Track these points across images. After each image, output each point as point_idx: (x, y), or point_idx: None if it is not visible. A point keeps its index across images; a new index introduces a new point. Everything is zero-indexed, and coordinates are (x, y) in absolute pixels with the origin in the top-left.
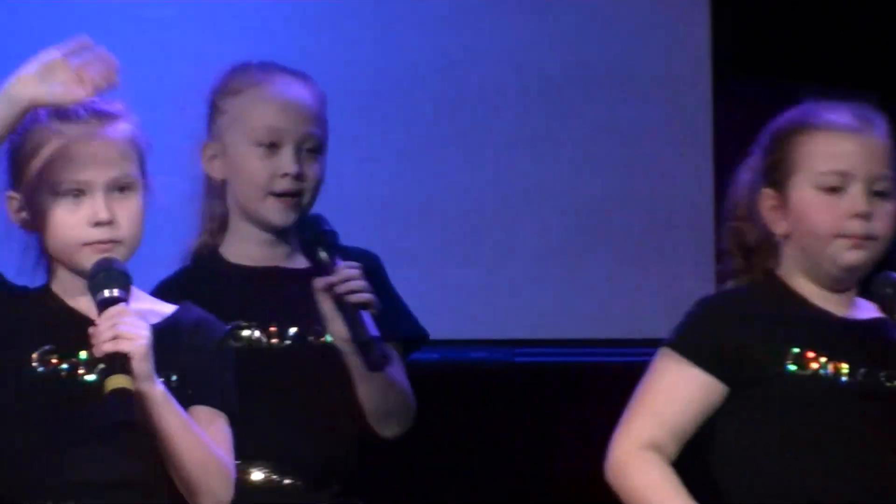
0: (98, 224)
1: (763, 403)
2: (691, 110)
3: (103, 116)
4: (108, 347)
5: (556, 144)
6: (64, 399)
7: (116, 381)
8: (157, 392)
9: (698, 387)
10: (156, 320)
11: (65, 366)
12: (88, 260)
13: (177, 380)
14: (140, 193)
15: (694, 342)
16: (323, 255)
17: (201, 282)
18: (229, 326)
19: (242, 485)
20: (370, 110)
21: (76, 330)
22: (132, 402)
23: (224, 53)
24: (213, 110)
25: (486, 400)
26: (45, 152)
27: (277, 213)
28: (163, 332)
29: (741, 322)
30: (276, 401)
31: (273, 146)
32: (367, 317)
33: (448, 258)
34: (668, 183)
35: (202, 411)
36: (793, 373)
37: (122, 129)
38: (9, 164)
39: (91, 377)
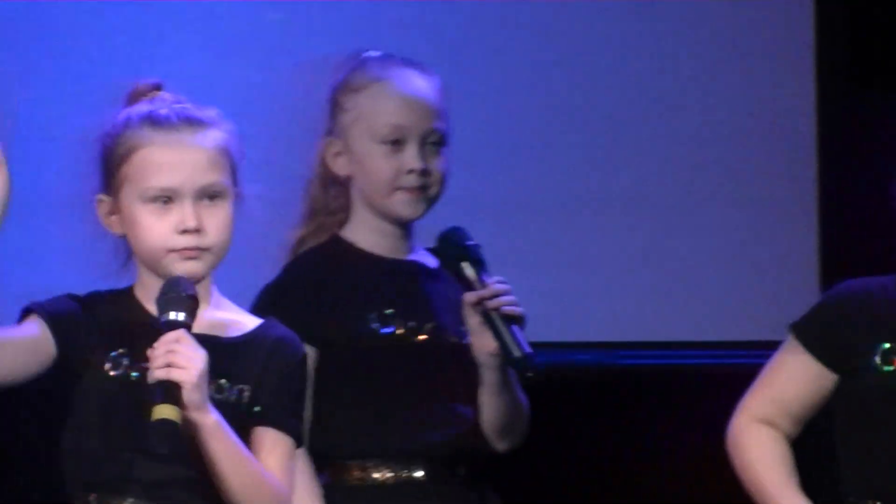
0: (185, 231)
1: (855, 396)
2: (796, 112)
3: (195, 123)
4: (160, 375)
5: (659, 146)
6: (132, 404)
7: (162, 412)
8: (208, 421)
9: (807, 371)
10: (237, 333)
11: (136, 373)
12: (174, 266)
13: (249, 394)
14: (230, 202)
15: (809, 327)
16: (469, 270)
17: (335, 262)
18: (374, 318)
19: (371, 485)
20: (479, 107)
21: (153, 336)
22: (174, 433)
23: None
24: (335, 107)
25: (590, 402)
26: (135, 158)
27: (405, 205)
28: (243, 345)
29: (855, 312)
30: (407, 392)
31: (397, 143)
32: (518, 332)
33: (551, 260)
34: (772, 184)
35: (267, 433)
36: (877, 368)
37: (213, 136)
38: (100, 168)
39: None
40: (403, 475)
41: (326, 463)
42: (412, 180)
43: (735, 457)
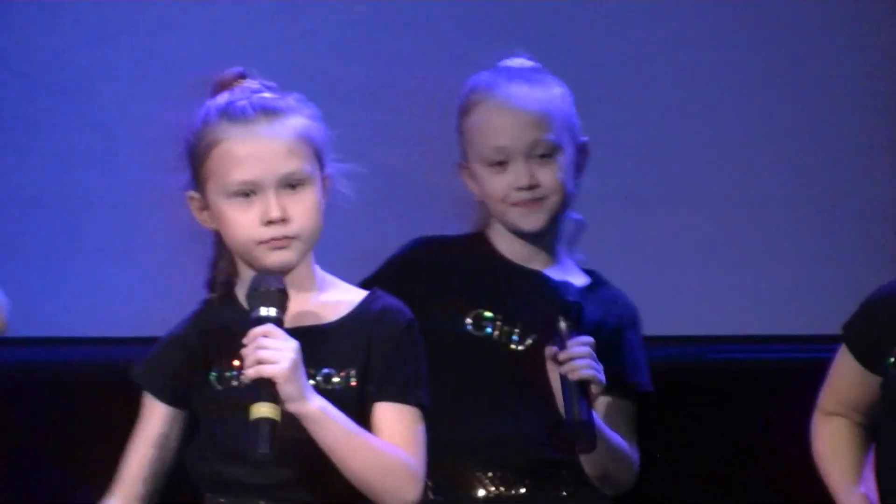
0: (270, 222)
1: (882, 397)
2: (880, 110)
3: (271, 113)
4: (252, 374)
5: (744, 143)
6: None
7: (259, 411)
8: (311, 410)
9: (853, 371)
10: (342, 313)
11: (234, 372)
12: (265, 257)
13: (356, 375)
14: (315, 188)
15: (850, 327)
16: (562, 325)
17: (460, 253)
18: (471, 316)
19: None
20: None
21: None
22: (274, 431)
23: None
24: (458, 131)
25: (675, 398)
26: (215, 153)
27: (521, 218)
28: (347, 325)
29: (884, 313)
30: (495, 397)
31: (503, 163)
32: (582, 398)
33: (637, 255)
34: (856, 178)
35: (386, 408)
36: (890, 368)
37: (291, 124)
38: (188, 165)
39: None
40: (505, 494)
41: None
42: (522, 196)
43: (813, 452)
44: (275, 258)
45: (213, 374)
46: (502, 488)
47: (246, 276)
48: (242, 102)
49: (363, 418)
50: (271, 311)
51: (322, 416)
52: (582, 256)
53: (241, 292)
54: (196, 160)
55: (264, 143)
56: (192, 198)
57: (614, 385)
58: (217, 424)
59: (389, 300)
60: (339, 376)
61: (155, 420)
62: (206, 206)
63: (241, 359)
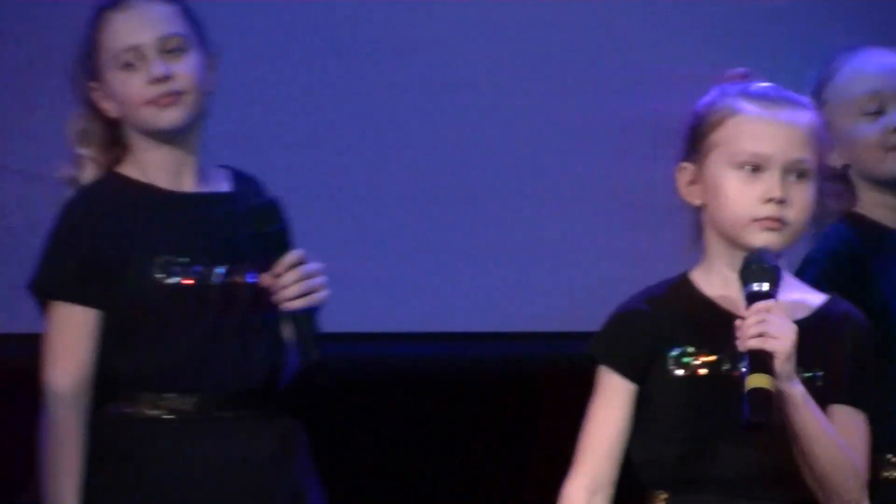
0: (770, 200)
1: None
2: None
3: (791, 101)
4: (754, 344)
5: None
6: (706, 399)
7: (757, 381)
8: (796, 393)
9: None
10: (804, 314)
11: (704, 369)
12: (754, 236)
13: (821, 377)
14: (813, 184)
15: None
16: None
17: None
18: None
19: None
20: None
21: (714, 323)
22: (770, 403)
23: None
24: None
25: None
26: (730, 122)
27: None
28: (810, 327)
29: None
30: None
31: (878, 112)
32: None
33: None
34: None
35: (843, 411)
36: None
37: (809, 116)
38: (689, 136)
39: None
40: None
41: None
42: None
43: None
44: (764, 238)
45: (673, 355)
46: None
47: (715, 259)
48: (763, 86)
49: None
50: (764, 287)
51: (804, 401)
52: None
53: (699, 277)
54: (702, 129)
55: (784, 125)
56: (684, 169)
57: None
58: (682, 411)
59: (849, 307)
60: (805, 374)
61: (617, 397)
62: (697, 180)
63: (700, 345)
